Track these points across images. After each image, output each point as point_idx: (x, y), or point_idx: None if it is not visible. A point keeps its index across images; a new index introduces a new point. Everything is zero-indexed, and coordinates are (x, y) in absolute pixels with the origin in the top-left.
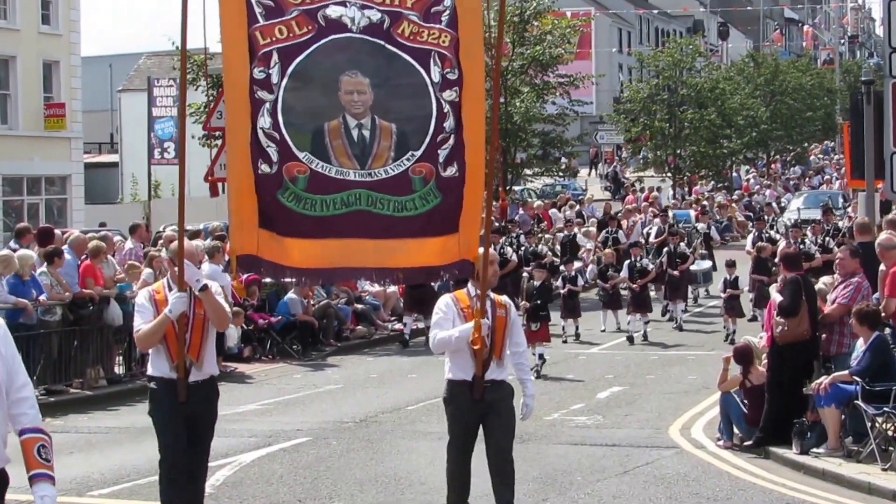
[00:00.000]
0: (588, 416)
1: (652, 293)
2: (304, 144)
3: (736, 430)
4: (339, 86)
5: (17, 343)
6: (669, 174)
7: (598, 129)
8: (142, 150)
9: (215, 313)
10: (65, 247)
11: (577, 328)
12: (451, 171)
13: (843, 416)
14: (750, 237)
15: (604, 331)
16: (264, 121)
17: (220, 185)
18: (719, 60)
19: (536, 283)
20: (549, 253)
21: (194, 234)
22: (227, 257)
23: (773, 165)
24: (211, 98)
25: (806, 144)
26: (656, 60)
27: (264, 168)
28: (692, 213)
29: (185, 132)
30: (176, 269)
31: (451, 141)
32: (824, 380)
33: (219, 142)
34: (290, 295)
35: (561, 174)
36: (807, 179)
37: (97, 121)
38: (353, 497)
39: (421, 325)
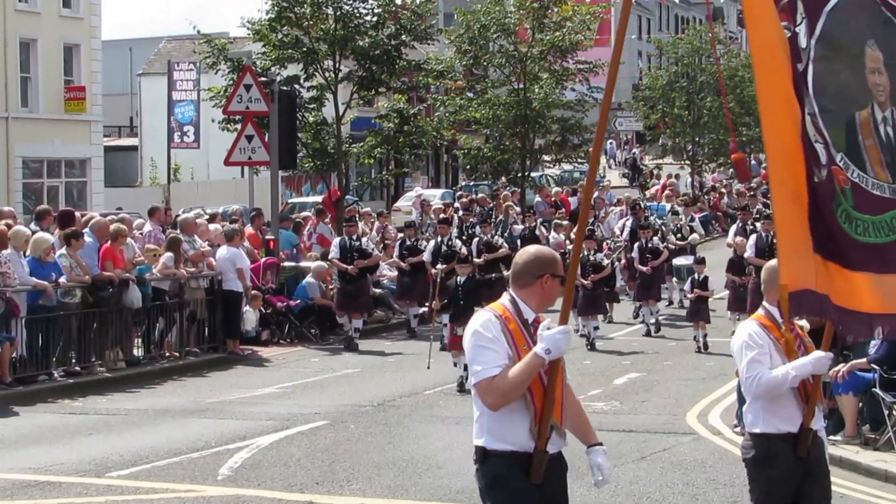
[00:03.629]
0: (605, 402)
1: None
2: (839, 142)
3: None
4: (864, 60)
5: (37, 324)
6: (688, 161)
7: (617, 116)
8: (161, 133)
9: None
10: (85, 230)
11: None
12: None
13: (860, 404)
14: (732, 229)
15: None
16: (810, 104)
17: (242, 167)
18: (739, 48)
19: (462, 279)
20: (506, 245)
21: (212, 218)
22: (245, 243)
23: None
24: (230, 82)
25: None
26: (675, 48)
27: (817, 173)
28: (667, 205)
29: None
30: (548, 280)
31: None
32: (842, 367)
33: (238, 126)
34: (309, 279)
35: (580, 160)
36: None
37: (117, 104)
38: (371, 480)
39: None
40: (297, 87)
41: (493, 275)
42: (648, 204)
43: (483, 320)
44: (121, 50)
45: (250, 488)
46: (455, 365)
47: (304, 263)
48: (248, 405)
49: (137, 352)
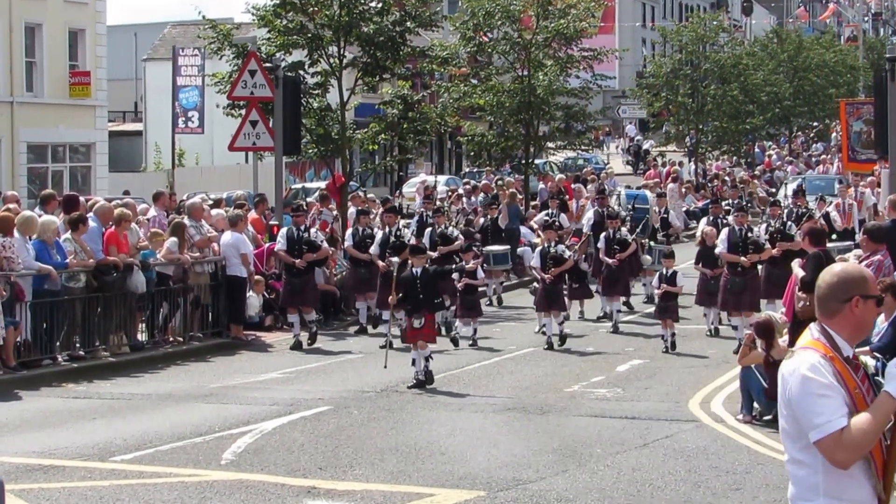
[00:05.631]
0: (608, 389)
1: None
2: None
3: (756, 405)
4: None
5: (41, 309)
6: (689, 149)
7: (621, 104)
8: (166, 119)
9: None
10: (90, 214)
11: (475, 331)
12: None
13: None
14: (703, 221)
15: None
16: None
17: (247, 152)
18: (743, 36)
19: (418, 271)
20: (462, 236)
21: (216, 203)
22: (249, 228)
23: (794, 142)
24: (235, 68)
25: (828, 121)
26: (680, 35)
27: None
28: (649, 194)
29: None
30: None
31: None
32: None
33: (242, 111)
34: None
35: (585, 147)
36: (828, 156)
37: (122, 89)
38: (374, 465)
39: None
40: (301, 72)
41: (449, 266)
42: (635, 192)
43: (810, 363)
44: (126, 35)
45: (253, 473)
46: (413, 363)
47: None
48: (252, 390)
49: (141, 337)
